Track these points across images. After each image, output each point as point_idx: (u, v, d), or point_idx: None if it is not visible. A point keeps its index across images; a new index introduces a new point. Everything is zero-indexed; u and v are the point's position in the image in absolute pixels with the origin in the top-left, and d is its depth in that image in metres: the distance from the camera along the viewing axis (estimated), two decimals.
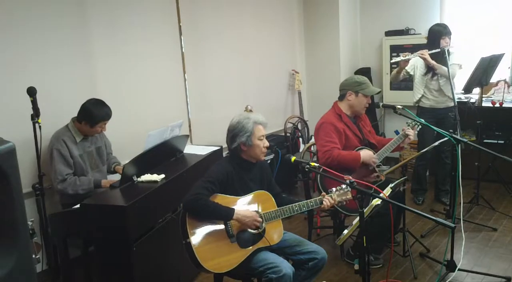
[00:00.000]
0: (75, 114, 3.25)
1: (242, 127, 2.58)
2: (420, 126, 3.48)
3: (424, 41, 4.58)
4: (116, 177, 3.33)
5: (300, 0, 5.96)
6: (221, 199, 2.51)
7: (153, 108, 4.12)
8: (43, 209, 2.96)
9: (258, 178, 2.73)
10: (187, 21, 4.40)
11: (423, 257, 3.57)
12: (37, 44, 3.29)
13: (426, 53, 4.17)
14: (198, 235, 2.42)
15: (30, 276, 1.46)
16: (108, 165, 3.52)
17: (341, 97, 3.52)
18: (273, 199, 2.68)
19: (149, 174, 3.05)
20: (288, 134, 5.22)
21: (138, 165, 3.04)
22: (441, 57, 4.16)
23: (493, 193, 4.80)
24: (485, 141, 4.88)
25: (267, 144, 2.67)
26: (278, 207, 2.63)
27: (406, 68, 4.40)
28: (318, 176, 3.29)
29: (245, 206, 2.57)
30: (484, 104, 5.03)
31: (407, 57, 4.17)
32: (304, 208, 2.63)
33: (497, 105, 4.94)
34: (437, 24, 4.41)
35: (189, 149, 3.78)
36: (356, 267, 2.56)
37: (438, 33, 4.24)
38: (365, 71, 5.95)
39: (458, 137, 3.28)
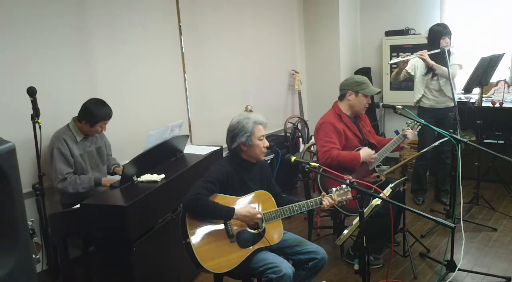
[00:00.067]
0: (75, 114, 3.26)
1: (242, 128, 2.58)
2: (420, 126, 3.48)
3: (424, 41, 4.58)
4: (116, 178, 3.33)
5: (300, 0, 5.96)
6: (221, 199, 2.51)
7: (153, 108, 4.12)
8: (43, 209, 2.96)
9: (258, 178, 2.73)
10: (187, 21, 4.40)
11: (423, 257, 3.57)
12: (37, 44, 3.29)
13: (425, 54, 4.17)
14: (198, 235, 2.42)
15: (30, 276, 1.46)
16: (108, 166, 3.52)
17: (341, 97, 3.52)
18: (273, 199, 2.68)
19: (149, 174, 3.06)
20: (288, 134, 5.22)
21: (138, 165, 3.04)
22: (441, 58, 4.16)
23: (493, 193, 4.80)
24: (485, 141, 4.88)
25: (267, 144, 2.67)
26: (278, 207, 2.63)
27: (407, 68, 4.40)
28: (318, 176, 3.29)
29: (245, 206, 2.56)
30: (484, 104, 5.03)
31: (405, 58, 4.17)
32: (304, 208, 2.63)
33: (497, 105, 4.94)
34: (437, 24, 4.41)
35: (189, 149, 3.78)
36: (356, 267, 2.56)
37: (438, 33, 4.24)
38: (365, 71, 5.95)
39: (458, 137, 3.28)
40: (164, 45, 4.25)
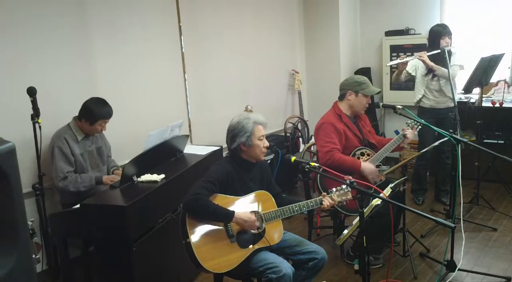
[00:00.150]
0: (75, 114, 3.27)
1: (242, 128, 2.58)
2: (420, 126, 3.48)
3: (424, 41, 4.59)
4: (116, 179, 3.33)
5: (300, 0, 5.96)
6: (221, 199, 2.51)
7: (153, 108, 4.12)
8: (43, 209, 2.96)
9: (258, 178, 2.73)
10: (187, 21, 4.40)
11: (423, 257, 3.57)
12: (37, 44, 3.29)
13: (424, 55, 4.17)
14: (198, 235, 2.42)
15: (30, 276, 1.46)
16: (107, 168, 3.52)
17: (341, 97, 3.52)
18: (273, 199, 2.68)
19: (149, 174, 3.05)
20: (288, 134, 5.22)
21: (138, 165, 3.04)
22: (441, 58, 4.16)
23: (493, 193, 4.80)
24: (485, 141, 4.88)
25: (267, 144, 2.67)
26: (278, 207, 2.63)
27: (407, 68, 4.40)
28: (318, 176, 3.29)
29: (245, 206, 2.57)
30: (484, 104, 5.03)
31: (403, 60, 4.17)
32: (304, 208, 2.63)
33: (497, 105, 4.94)
34: (437, 25, 4.41)
35: (189, 149, 3.78)
36: (356, 267, 2.56)
37: (438, 34, 4.24)
38: (365, 71, 5.94)
39: (458, 137, 3.28)
40: (164, 45, 4.25)
